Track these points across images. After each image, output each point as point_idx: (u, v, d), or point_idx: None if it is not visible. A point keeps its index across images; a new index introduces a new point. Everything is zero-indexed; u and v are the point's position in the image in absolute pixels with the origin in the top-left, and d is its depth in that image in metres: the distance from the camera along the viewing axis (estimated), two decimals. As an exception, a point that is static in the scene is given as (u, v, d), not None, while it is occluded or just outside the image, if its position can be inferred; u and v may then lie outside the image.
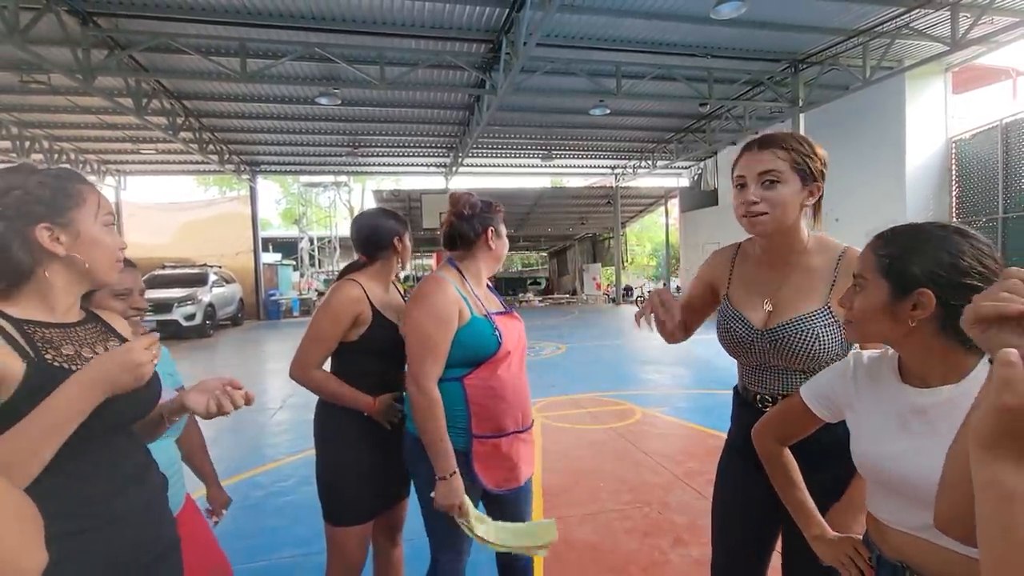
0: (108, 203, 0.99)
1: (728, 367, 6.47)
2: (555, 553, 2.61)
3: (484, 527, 1.52)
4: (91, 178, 14.63)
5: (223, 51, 8.30)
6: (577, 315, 15.95)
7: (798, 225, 1.31)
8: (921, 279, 0.84)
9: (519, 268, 35.76)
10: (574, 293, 24.46)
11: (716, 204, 17.20)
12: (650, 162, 16.57)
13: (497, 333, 1.55)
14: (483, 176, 18.12)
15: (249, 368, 8.48)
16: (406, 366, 1.56)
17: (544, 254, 32.11)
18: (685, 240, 19.71)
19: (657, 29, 8.19)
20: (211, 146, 13.05)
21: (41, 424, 0.80)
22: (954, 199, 10.32)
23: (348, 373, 1.72)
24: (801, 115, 10.34)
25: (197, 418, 1.67)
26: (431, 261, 24.51)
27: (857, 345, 1.12)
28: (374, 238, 1.80)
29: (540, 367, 7.49)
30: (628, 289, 16.80)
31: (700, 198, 18.08)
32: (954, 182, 10.42)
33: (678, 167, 18.17)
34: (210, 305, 12.67)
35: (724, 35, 8.47)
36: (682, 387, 6.29)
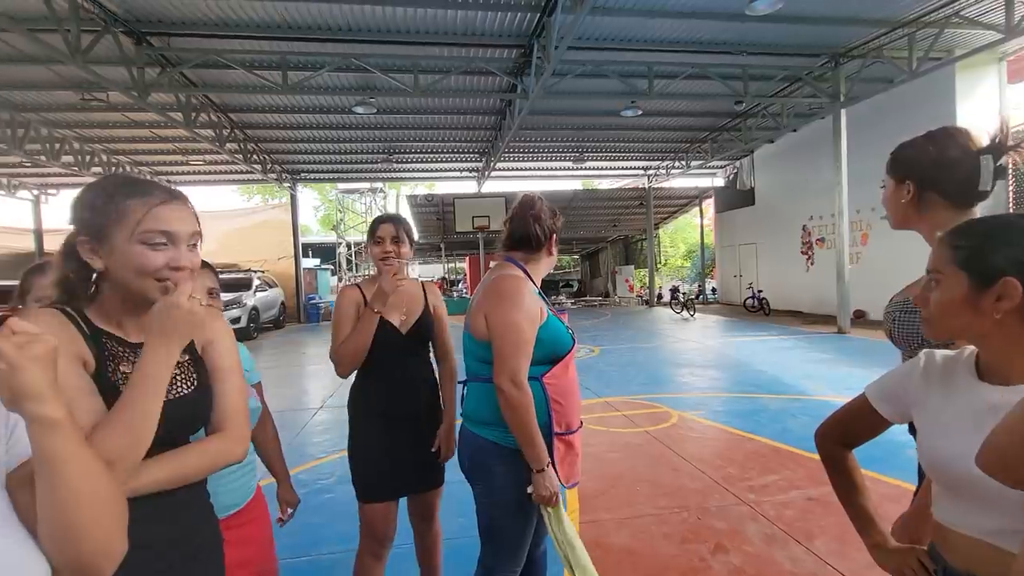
0: (166, 220, 0.92)
1: (765, 369, 6.36)
2: (591, 556, 2.61)
3: (566, 527, 1.54)
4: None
5: (266, 65, 8.65)
6: (610, 317, 15.82)
7: None
8: (1005, 268, 0.80)
9: (552, 271, 35.66)
10: (606, 295, 24.24)
11: (753, 204, 16.78)
12: (683, 162, 16.31)
13: (570, 330, 1.61)
14: (515, 180, 18.17)
15: (291, 369, 8.77)
16: (494, 363, 1.53)
17: (576, 256, 31.93)
18: (721, 241, 19.30)
19: (690, 27, 8.09)
20: (255, 156, 13.58)
21: (138, 389, 0.86)
22: (1011, 195, 9.76)
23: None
24: (843, 111, 10.00)
25: (272, 414, 1.82)
26: (464, 265, 24.73)
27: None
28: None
29: (576, 369, 7.47)
30: (674, 291, 16.43)
31: (736, 198, 17.67)
32: (1011, 177, 9.86)
33: (712, 167, 17.81)
34: (254, 309, 13.17)
35: (760, 31, 8.29)
36: (718, 390, 6.17)
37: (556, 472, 1.54)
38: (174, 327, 0.88)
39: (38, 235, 16.30)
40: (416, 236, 2.05)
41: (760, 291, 14.85)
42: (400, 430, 1.92)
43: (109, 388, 0.90)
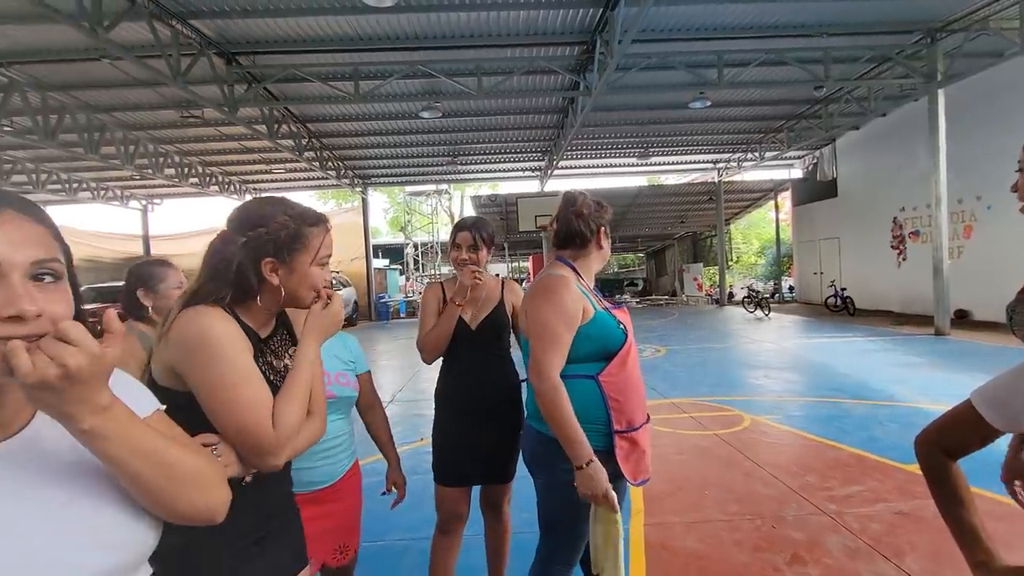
0: (330, 244, 1.17)
1: (850, 373, 5.95)
2: (658, 559, 2.57)
3: (610, 532, 1.50)
4: (232, 197, 16.79)
5: (339, 76, 9.14)
6: (677, 317, 15.32)
7: None
8: None
9: (615, 269, 35.08)
10: (673, 294, 23.50)
11: (835, 196, 15.63)
12: (757, 154, 15.47)
13: (621, 326, 1.60)
14: (578, 178, 18.03)
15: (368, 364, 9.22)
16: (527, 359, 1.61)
17: (641, 255, 31.20)
18: (799, 236, 18.13)
19: (763, 11, 7.68)
20: (329, 163, 14.38)
21: (303, 374, 1.10)
22: None
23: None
24: (940, 91, 9.09)
25: (384, 400, 2.04)
26: (527, 264, 24.86)
27: None
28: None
29: (640, 369, 7.32)
30: (751, 290, 15.61)
31: (816, 190, 16.55)
32: None
33: (789, 157, 16.79)
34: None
35: (842, 9, 7.73)
36: (796, 394, 5.82)
37: (622, 471, 1.54)
38: (331, 326, 1.16)
39: (145, 240, 18.16)
40: (492, 232, 2.13)
41: (844, 289, 13.82)
42: (470, 421, 2.00)
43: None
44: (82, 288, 0.70)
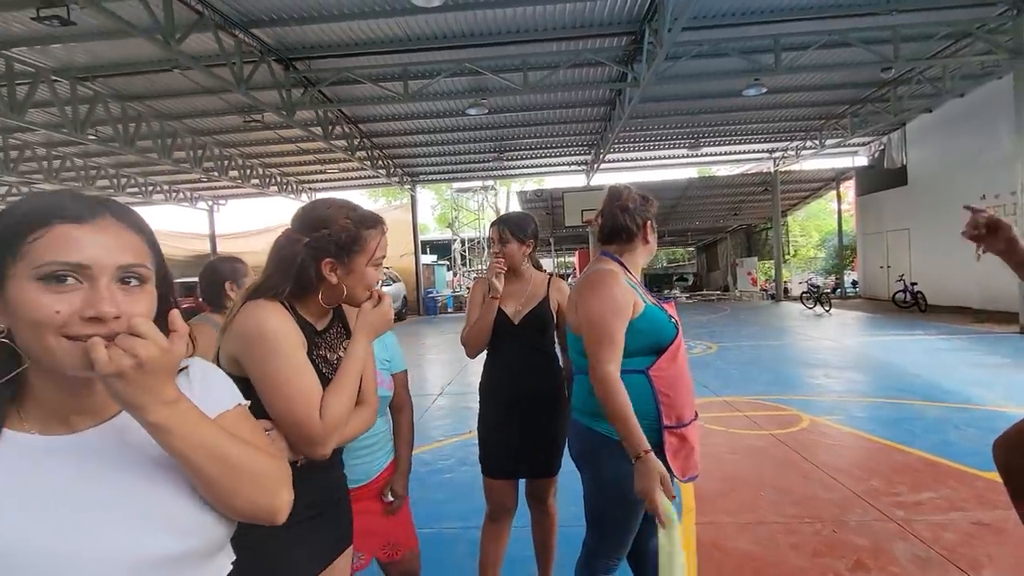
0: (385, 245, 1.23)
1: (920, 373, 5.60)
2: (710, 558, 2.52)
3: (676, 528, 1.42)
4: (290, 196, 17.56)
5: (389, 77, 9.38)
6: (729, 312, 14.81)
7: None
8: None
9: (664, 264, 34.27)
10: (726, 289, 22.72)
11: (904, 184, 14.61)
12: (817, 142, 14.67)
13: (673, 320, 1.60)
14: (625, 171, 17.71)
15: (415, 359, 9.46)
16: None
17: (692, 249, 30.33)
18: (863, 227, 17.09)
19: (825, -9, 7.27)
20: (380, 162, 14.80)
21: (352, 369, 1.16)
22: None
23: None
24: (1029, 67, 8.32)
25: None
26: (573, 259, 24.69)
27: None
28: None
29: (690, 366, 7.11)
30: (811, 285, 14.81)
31: (883, 178, 15.53)
32: None
33: (853, 144, 15.83)
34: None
35: (915, -16, 7.20)
36: (859, 394, 5.52)
37: (671, 468, 1.52)
38: (382, 324, 1.21)
39: (212, 239, 19.31)
40: (524, 225, 2.13)
41: (914, 283, 12.92)
42: (512, 415, 2.03)
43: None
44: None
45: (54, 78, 8.29)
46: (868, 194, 16.63)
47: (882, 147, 15.45)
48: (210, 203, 19.18)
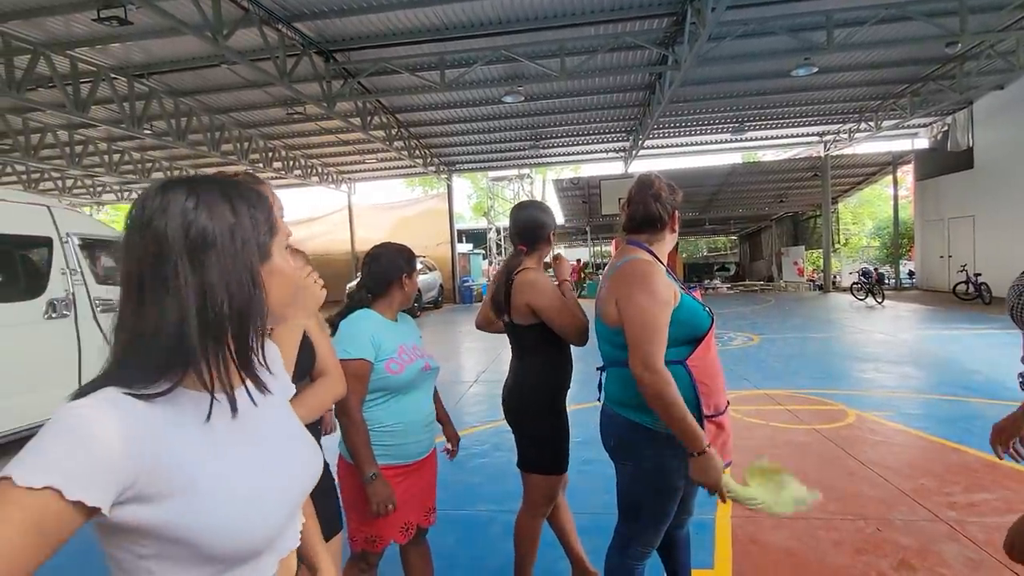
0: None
1: (982, 369, 5.27)
2: (747, 553, 2.48)
3: (749, 489, 1.48)
4: (330, 187, 17.99)
5: (425, 66, 9.43)
6: (773, 304, 14.32)
7: None
8: None
9: (704, 253, 33.37)
10: (770, 279, 21.95)
11: (970, 167, 13.66)
12: (872, 123, 13.87)
13: (707, 308, 1.57)
14: (665, 157, 17.25)
15: (451, 346, 9.60)
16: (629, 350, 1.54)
17: (734, 237, 29.39)
18: (923, 215, 16.10)
19: (884, -39, 6.82)
20: (417, 151, 14.96)
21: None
22: None
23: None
24: (1117, 36, 7.58)
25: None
26: (610, 247, 24.36)
27: None
28: (537, 231, 2.03)
29: (728, 358, 6.96)
30: (866, 274, 13.77)
31: (945, 161, 14.57)
32: None
33: (912, 126, 14.89)
34: (418, 290, 14.63)
35: (986, -50, 6.66)
36: (912, 390, 5.25)
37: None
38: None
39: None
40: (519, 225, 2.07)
41: (978, 274, 12.13)
42: (563, 409, 2.08)
43: None
44: None
45: (113, 76, 8.76)
46: (929, 178, 15.65)
47: (945, 128, 14.46)
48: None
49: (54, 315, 4.29)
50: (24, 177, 15.14)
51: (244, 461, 0.68)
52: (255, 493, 0.67)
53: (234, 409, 0.66)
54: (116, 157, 13.69)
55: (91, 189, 17.64)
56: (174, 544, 0.61)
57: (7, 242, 4.29)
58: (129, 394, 0.59)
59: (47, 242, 4.40)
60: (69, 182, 16.31)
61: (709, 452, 1.41)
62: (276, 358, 0.86)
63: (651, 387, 1.42)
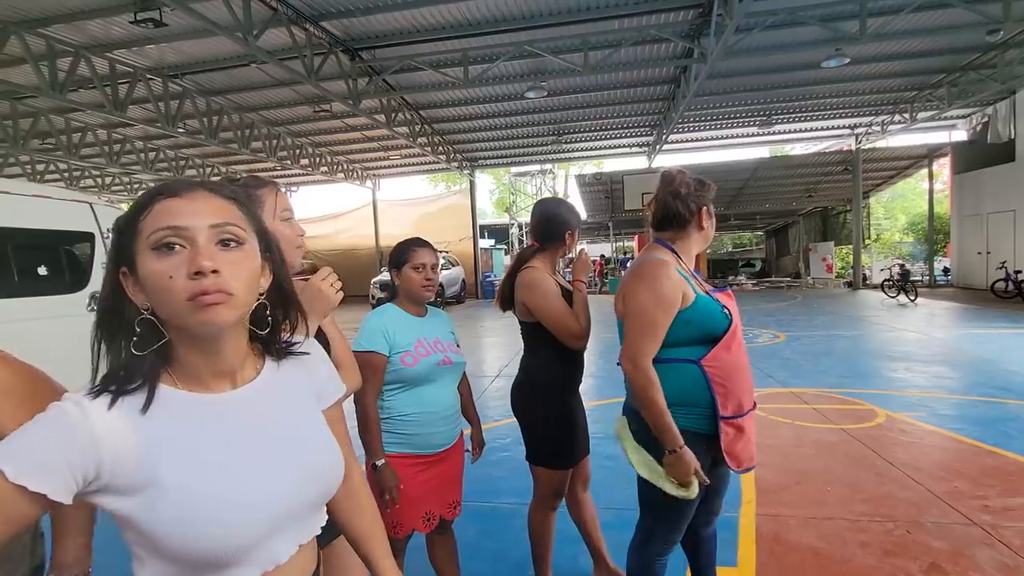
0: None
1: (1019, 370, 5.11)
2: (772, 552, 2.46)
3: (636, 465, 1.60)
4: (355, 183, 18.23)
5: (449, 63, 9.48)
6: (800, 301, 14.02)
7: None
8: None
9: (730, 249, 32.80)
10: (797, 276, 21.46)
11: (1011, 160, 13.12)
12: (907, 115, 13.40)
13: (725, 310, 1.56)
14: (690, 151, 16.96)
15: (474, 341, 9.68)
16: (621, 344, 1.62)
17: (760, 233, 28.82)
18: (960, 210, 15.52)
19: (921, -53, 6.58)
20: (440, 148, 15.07)
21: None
22: None
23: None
24: None
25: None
26: (632, 243, 24.15)
27: None
28: (550, 227, 2.00)
29: (754, 355, 6.86)
30: (903, 270, 13.27)
31: (984, 154, 14.01)
32: None
33: (950, 117, 14.34)
34: (440, 285, 14.78)
35: (1032, -67, 6.37)
36: (947, 391, 5.10)
37: (727, 458, 1.53)
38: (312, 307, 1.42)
39: (285, 224, 20.42)
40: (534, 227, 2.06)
41: (1018, 271, 11.67)
42: (579, 399, 2.12)
43: None
44: None
45: (149, 76, 9.04)
46: (967, 172, 15.08)
47: (985, 119, 13.90)
48: (284, 190, 20.28)
49: (96, 307, 4.48)
50: (66, 175, 15.76)
51: (216, 466, 0.66)
52: (214, 502, 0.64)
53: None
54: (152, 155, 14.14)
55: (128, 186, 18.26)
56: (145, 537, 0.63)
57: (52, 237, 4.50)
58: (110, 391, 0.64)
59: (89, 237, 4.59)
60: (108, 179, 16.91)
61: (679, 452, 1.46)
62: (320, 361, 0.85)
63: (633, 381, 1.49)
